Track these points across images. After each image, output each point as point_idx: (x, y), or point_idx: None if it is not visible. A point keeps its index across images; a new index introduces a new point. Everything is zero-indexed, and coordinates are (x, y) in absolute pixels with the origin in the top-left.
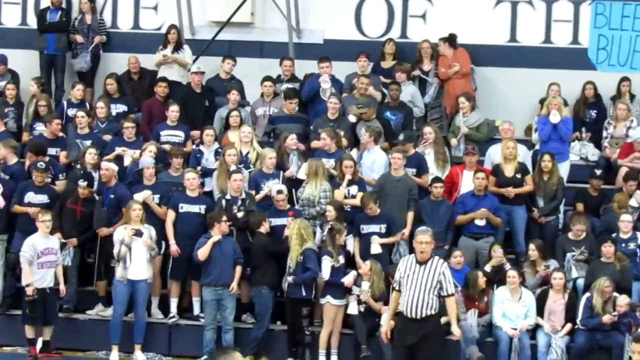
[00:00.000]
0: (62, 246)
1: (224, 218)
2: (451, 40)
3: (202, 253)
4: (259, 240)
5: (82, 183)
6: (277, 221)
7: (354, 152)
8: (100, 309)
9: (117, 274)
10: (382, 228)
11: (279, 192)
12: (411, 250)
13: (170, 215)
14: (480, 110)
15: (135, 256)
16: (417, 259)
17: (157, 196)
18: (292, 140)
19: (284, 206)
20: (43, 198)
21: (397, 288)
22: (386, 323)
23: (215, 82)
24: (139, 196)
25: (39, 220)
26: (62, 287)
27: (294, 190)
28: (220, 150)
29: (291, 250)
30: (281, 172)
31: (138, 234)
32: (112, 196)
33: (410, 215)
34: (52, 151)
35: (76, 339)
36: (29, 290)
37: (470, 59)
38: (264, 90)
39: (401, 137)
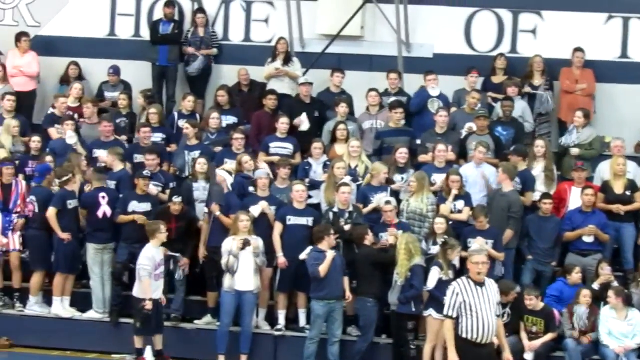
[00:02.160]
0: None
1: (332, 232)
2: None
3: (324, 270)
4: (363, 251)
5: (177, 199)
6: (387, 234)
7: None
8: (209, 320)
9: (225, 285)
10: (489, 244)
11: (388, 202)
12: (516, 269)
13: (278, 228)
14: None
15: (243, 267)
16: (475, 280)
17: (273, 208)
18: (401, 154)
19: (392, 218)
20: (146, 206)
21: (453, 315)
22: (455, 355)
23: (325, 96)
24: (256, 210)
25: (161, 232)
26: (163, 296)
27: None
28: (328, 163)
29: (399, 265)
30: (389, 185)
31: (246, 243)
32: (222, 204)
33: (507, 233)
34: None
35: (183, 348)
36: (149, 305)
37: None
38: (369, 102)
39: (512, 148)
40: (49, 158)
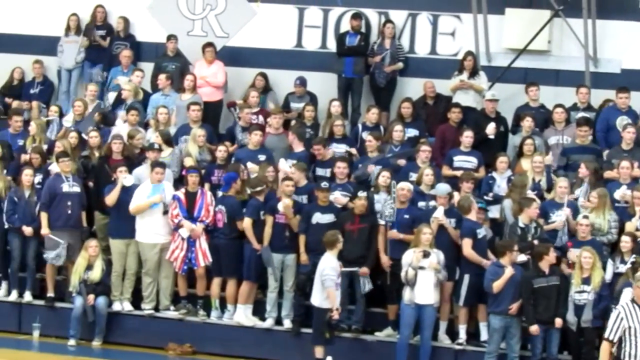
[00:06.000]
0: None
1: (516, 247)
2: None
3: (497, 286)
4: (528, 274)
5: (362, 194)
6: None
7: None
8: (390, 332)
9: (405, 297)
10: None
11: (585, 217)
12: None
13: (469, 243)
14: None
15: (423, 281)
16: None
17: (453, 220)
18: (583, 170)
19: (587, 233)
20: (330, 217)
21: (614, 339)
22: None
23: (523, 110)
24: (439, 212)
25: (340, 242)
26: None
27: None
28: (512, 177)
29: (592, 279)
30: (566, 199)
31: (426, 255)
32: (406, 216)
33: None
34: (320, 172)
35: (363, 359)
36: (336, 314)
37: None
38: (555, 117)
39: None
40: (242, 167)
